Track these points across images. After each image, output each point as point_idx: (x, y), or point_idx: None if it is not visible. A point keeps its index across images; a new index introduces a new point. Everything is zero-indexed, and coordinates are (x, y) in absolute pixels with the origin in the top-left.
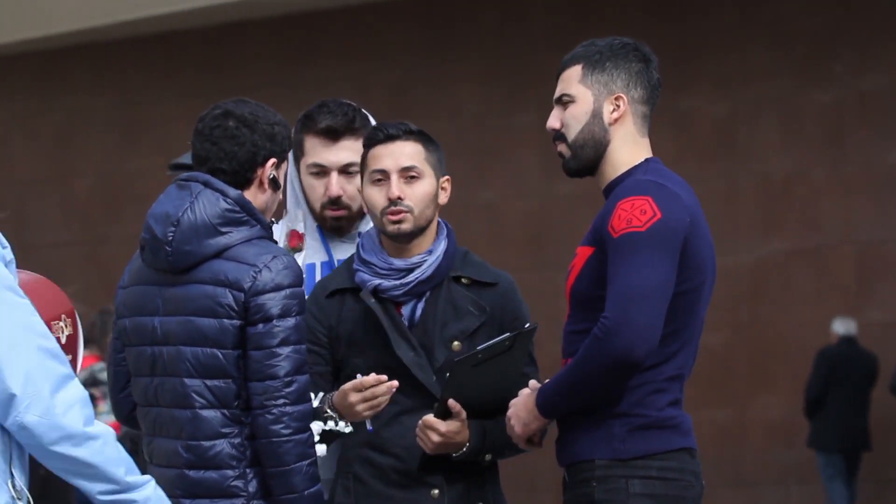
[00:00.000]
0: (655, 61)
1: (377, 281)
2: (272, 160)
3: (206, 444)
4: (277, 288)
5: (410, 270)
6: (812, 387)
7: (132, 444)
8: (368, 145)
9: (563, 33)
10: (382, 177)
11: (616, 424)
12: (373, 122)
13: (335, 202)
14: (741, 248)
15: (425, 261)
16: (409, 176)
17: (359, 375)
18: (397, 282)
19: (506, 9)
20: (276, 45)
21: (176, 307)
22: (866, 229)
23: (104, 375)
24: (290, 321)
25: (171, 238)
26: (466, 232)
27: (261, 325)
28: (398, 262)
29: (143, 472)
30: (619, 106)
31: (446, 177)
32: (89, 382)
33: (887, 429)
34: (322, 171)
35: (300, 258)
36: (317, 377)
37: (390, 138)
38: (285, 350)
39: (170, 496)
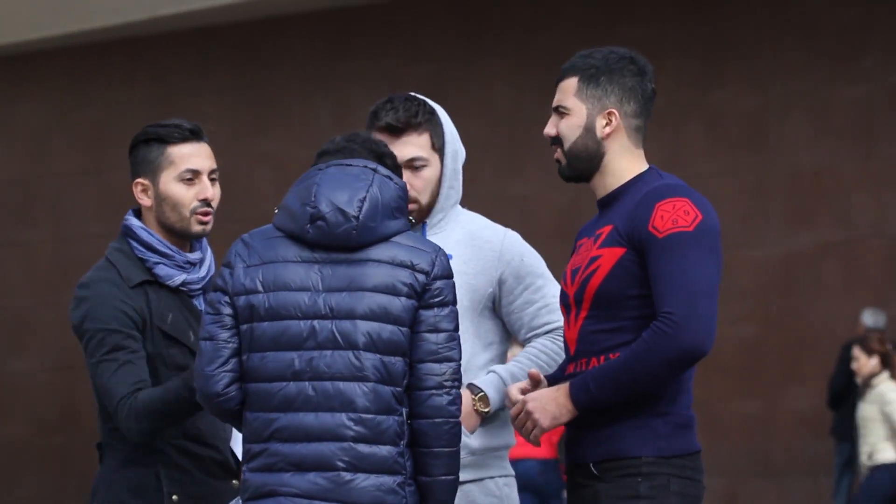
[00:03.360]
0: (651, 73)
1: (182, 276)
2: None
3: (381, 418)
4: (450, 275)
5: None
6: (836, 379)
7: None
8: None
9: (594, 29)
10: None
11: (659, 423)
12: (441, 114)
13: None
14: (771, 242)
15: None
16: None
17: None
18: (195, 276)
19: (538, 5)
20: (310, 41)
21: (348, 283)
22: (895, 223)
23: None
24: (456, 307)
25: (358, 213)
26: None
27: (438, 309)
28: (192, 256)
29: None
30: (611, 121)
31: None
32: None
33: None
34: None
35: None
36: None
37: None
38: (457, 335)
39: (326, 469)
